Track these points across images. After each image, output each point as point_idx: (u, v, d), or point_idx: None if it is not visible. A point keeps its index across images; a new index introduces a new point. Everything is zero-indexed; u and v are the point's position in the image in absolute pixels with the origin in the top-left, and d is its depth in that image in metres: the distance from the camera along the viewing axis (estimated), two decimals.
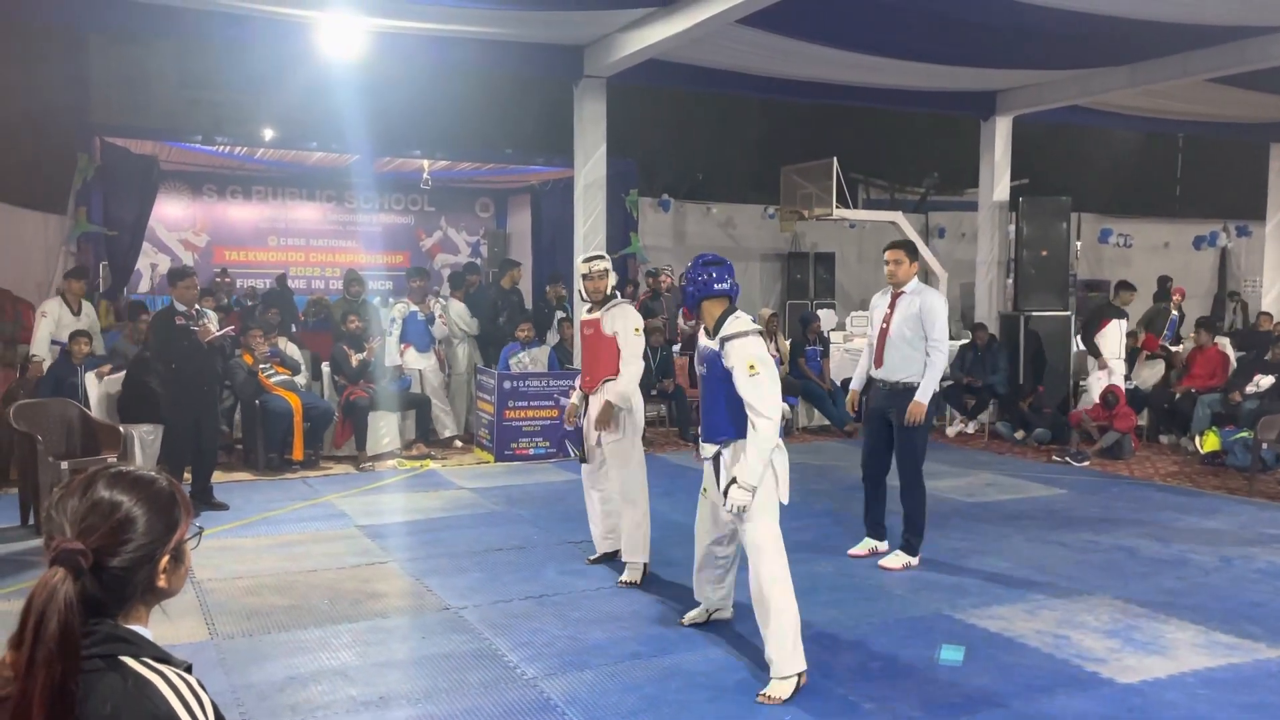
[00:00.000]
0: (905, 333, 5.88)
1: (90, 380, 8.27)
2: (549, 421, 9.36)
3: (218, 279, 12.85)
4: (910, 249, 6.08)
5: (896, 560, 5.98)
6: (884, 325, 5.98)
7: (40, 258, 10.80)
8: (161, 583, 1.56)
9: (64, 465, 6.83)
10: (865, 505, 6.28)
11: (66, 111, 13.63)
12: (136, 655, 1.49)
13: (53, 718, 1.38)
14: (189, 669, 1.54)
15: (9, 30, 8.55)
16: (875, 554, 6.15)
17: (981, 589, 5.54)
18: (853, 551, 6.21)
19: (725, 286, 4.42)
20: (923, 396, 5.83)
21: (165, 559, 1.55)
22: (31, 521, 6.68)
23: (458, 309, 10.57)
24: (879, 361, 6.01)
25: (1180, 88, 11.14)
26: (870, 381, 6.18)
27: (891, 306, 5.99)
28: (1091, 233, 18.30)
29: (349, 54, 9.20)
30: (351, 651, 4.56)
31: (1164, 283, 13.99)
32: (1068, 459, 9.52)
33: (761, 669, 4.29)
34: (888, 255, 6.04)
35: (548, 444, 9.36)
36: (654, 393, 10.57)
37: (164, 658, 1.52)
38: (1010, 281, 12.35)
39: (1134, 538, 6.71)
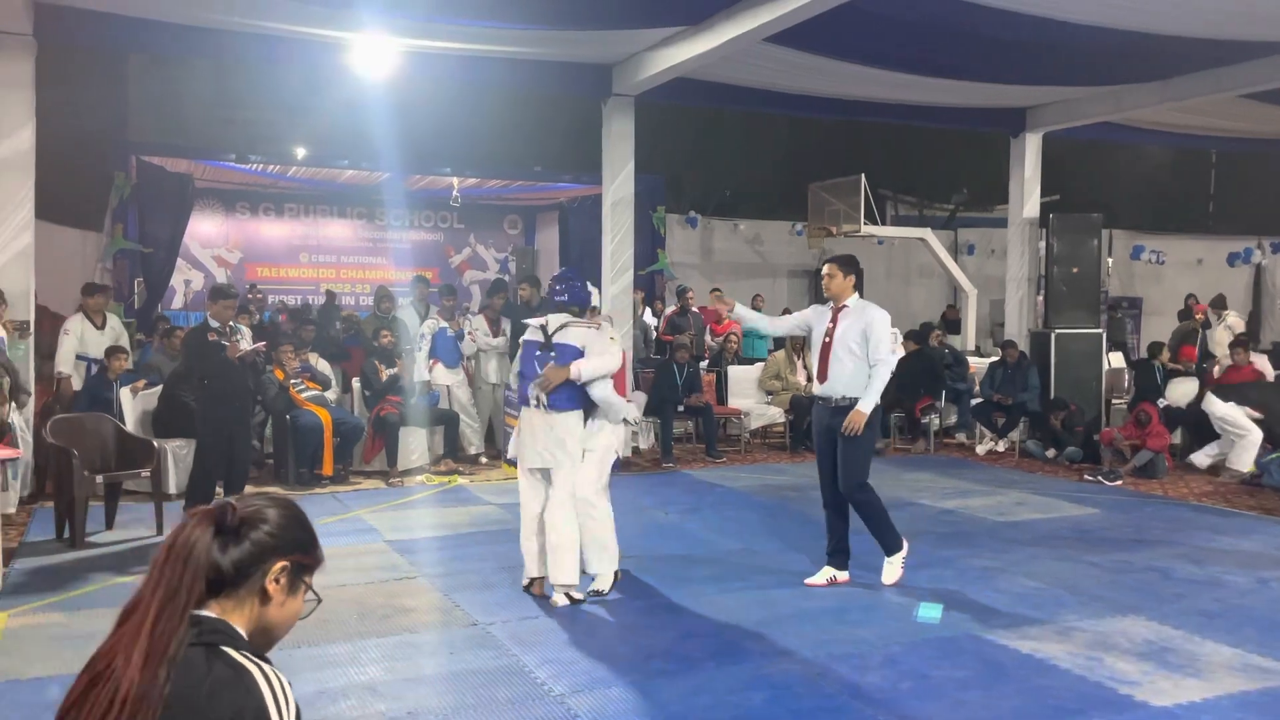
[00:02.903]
0: (850, 347, 5.74)
1: (125, 395, 8.38)
2: None
3: (250, 295, 13.01)
4: (846, 264, 5.92)
5: (891, 573, 5.86)
6: (826, 340, 5.84)
7: (78, 274, 10.99)
8: (271, 589, 1.66)
9: (99, 479, 6.93)
10: (827, 531, 5.98)
11: (104, 131, 13.88)
12: (237, 648, 1.58)
13: (154, 648, 1.49)
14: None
15: (50, 53, 8.72)
16: (834, 584, 5.89)
17: (1012, 609, 5.48)
18: (810, 581, 5.92)
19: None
20: (864, 407, 5.66)
21: (281, 566, 1.66)
22: (67, 535, 6.76)
23: (477, 324, 10.61)
24: (822, 377, 5.90)
25: (1212, 104, 11.05)
26: (813, 400, 6.12)
27: (834, 321, 5.86)
28: (1124, 249, 18.17)
29: (380, 74, 9.33)
30: (380, 666, 4.58)
31: (1188, 300, 14.03)
32: (1100, 478, 9.41)
33: (785, 688, 4.28)
34: (824, 269, 5.98)
35: None
36: (681, 409, 10.57)
37: (262, 655, 1.61)
38: (1041, 298, 12.27)
39: (1168, 558, 6.62)
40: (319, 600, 1.77)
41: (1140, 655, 4.77)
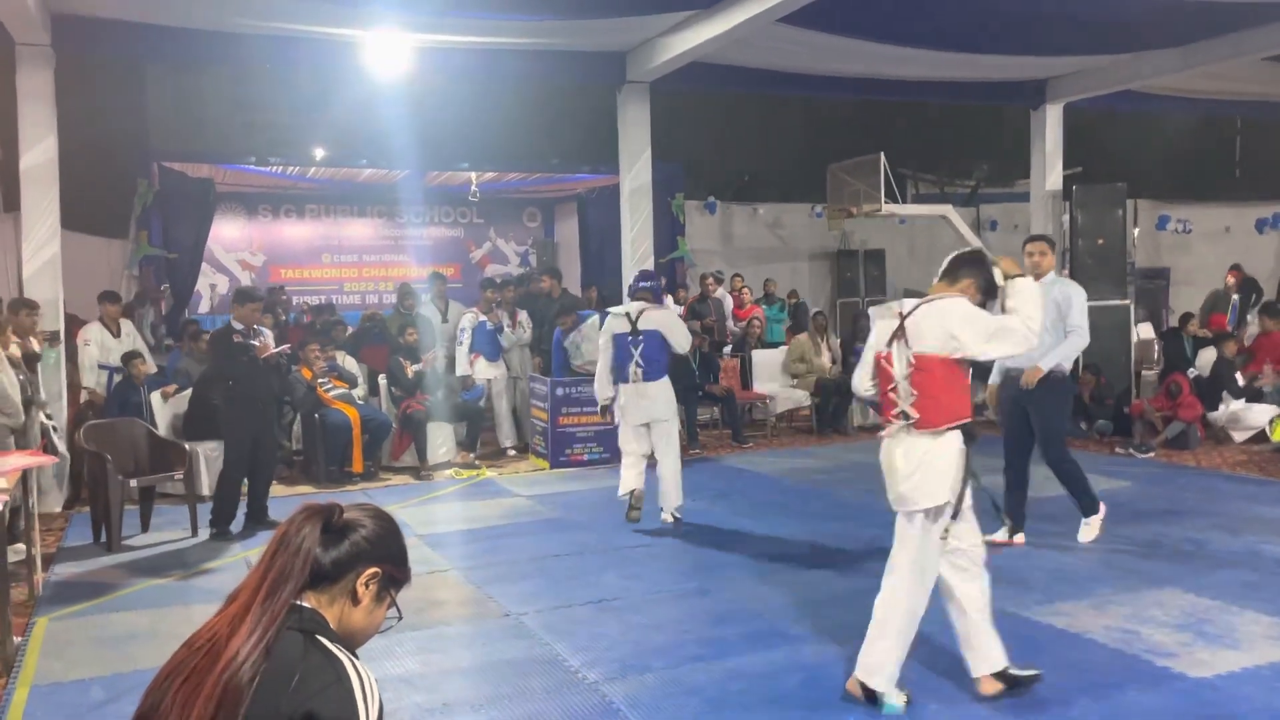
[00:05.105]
0: (1045, 321, 5.91)
1: (156, 400, 8.47)
2: (603, 427, 9.37)
3: (278, 298, 13.07)
4: (1052, 243, 6.35)
5: (1088, 532, 6.23)
6: None
7: (104, 282, 11.09)
8: (360, 592, 1.76)
9: (133, 483, 7.02)
10: (1006, 492, 6.30)
11: (126, 139, 14.01)
12: (332, 640, 1.69)
13: (258, 624, 1.60)
14: None
15: (70, 63, 8.80)
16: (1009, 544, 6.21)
17: (1046, 585, 5.45)
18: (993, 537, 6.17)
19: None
20: (1045, 363, 6.01)
21: (373, 573, 1.77)
22: (104, 539, 6.85)
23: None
24: None
25: (1235, 68, 10.89)
26: (1006, 372, 6.31)
27: None
28: (1149, 219, 17.91)
29: (395, 71, 9.34)
30: (415, 659, 4.62)
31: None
32: (1131, 450, 9.33)
33: (820, 671, 4.27)
34: (1031, 247, 6.25)
35: (602, 449, 9.39)
36: (700, 394, 10.54)
37: (352, 651, 1.70)
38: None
39: (1203, 529, 6.56)
40: (400, 616, 1.85)
41: (1177, 627, 4.73)
